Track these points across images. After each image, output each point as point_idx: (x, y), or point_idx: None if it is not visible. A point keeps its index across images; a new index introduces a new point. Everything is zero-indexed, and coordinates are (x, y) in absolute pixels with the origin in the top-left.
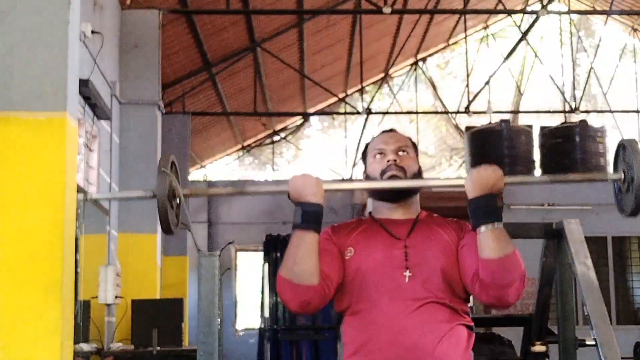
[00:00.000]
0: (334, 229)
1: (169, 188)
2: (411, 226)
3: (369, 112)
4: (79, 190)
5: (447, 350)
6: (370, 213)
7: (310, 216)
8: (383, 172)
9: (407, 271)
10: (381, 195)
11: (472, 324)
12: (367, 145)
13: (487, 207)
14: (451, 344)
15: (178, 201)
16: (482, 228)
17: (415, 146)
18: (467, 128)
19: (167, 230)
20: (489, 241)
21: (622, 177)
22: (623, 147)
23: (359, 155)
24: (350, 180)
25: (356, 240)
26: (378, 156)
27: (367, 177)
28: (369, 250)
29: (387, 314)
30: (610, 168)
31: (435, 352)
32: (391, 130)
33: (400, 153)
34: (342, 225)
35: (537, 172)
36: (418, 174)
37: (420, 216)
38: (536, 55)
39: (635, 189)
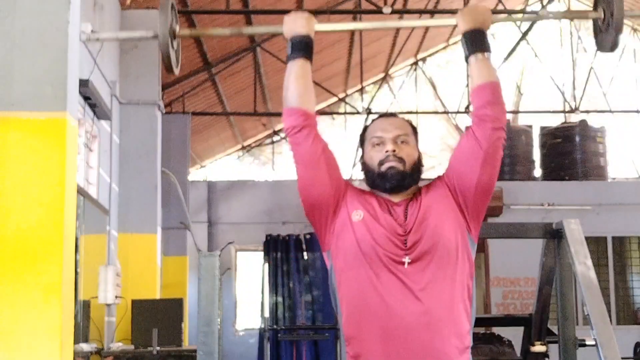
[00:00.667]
0: (348, 183)
1: (170, 28)
2: (406, 207)
3: (369, 112)
4: (79, 191)
5: (444, 339)
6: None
7: (299, 45)
8: (381, 163)
9: (407, 257)
10: (380, 186)
11: (473, 291)
12: (365, 129)
13: (479, 38)
14: (448, 333)
15: (177, 42)
16: (478, 55)
17: (415, 131)
18: (467, 128)
19: (168, 68)
20: (482, 67)
21: (602, 14)
22: None
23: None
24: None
25: (367, 208)
26: (376, 144)
27: (365, 166)
28: (375, 226)
29: (383, 298)
30: (610, 168)
31: (432, 342)
32: (391, 115)
33: (399, 142)
34: (356, 188)
35: (538, 172)
36: (418, 163)
37: (415, 195)
38: (536, 55)
39: (614, 23)
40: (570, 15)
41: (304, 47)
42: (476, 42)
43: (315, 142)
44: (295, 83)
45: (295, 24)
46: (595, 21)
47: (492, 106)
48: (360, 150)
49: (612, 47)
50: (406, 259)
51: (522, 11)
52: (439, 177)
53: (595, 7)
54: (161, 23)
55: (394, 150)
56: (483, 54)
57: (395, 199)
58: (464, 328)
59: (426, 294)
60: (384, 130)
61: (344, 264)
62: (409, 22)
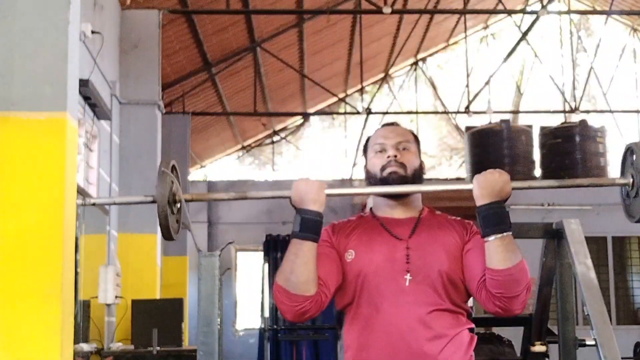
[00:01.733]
0: (334, 228)
1: (170, 193)
2: (413, 226)
3: (369, 112)
4: (79, 191)
5: (449, 358)
6: (371, 209)
7: (309, 225)
8: (383, 168)
9: (408, 274)
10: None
11: (473, 325)
12: (368, 139)
13: (497, 215)
14: (452, 351)
15: (179, 206)
16: (492, 237)
17: (417, 140)
18: (467, 128)
19: (167, 236)
20: (498, 251)
21: (631, 181)
22: (631, 151)
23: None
24: (352, 185)
25: (357, 242)
26: (378, 151)
27: (367, 173)
28: (370, 253)
29: (387, 320)
30: (610, 168)
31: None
32: (393, 124)
33: (401, 148)
34: (342, 224)
35: (537, 172)
36: (419, 170)
37: (423, 214)
38: (536, 55)
39: None
40: (600, 181)
41: (314, 227)
42: (496, 220)
43: (323, 304)
44: (304, 269)
45: (307, 196)
46: (622, 187)
47: (504, 300)
48: (363, 159)
49: None
50: (407, 278)
51: (522, 11)
52: (464, 222)
53: (623, 173)
54: (160, 187)
55: (396, 156)
56: (503, 233)
57: (399, 212)
58: (467, 345)
59: (430, 317)
60: (385, 137)
61: (346, 307)
62: (427, 187)
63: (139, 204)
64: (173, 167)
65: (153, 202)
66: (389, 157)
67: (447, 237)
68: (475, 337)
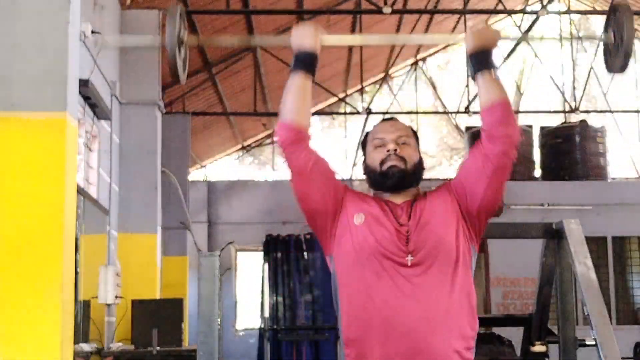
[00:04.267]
0: (348, 188)
1: (177, 37)
2: (409, 209)
3: (369, 112)
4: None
5: (444, 341)
6: (374, 194)
7: (300, 60)
8: (382, 162)
9: (409, 256)
10: (381, 185)
11: (474, 296)
12: (367, 134)
13: (485, 56)
14: (449, 335)
15: (184, 54)
16: (485, 73)
17: (416, 136)
18: (467, 128)
19: (175, 75)
20: (490, 85)
21: (612, 38)
22: (614, 9)
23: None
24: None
25: (368, 210)
26: (378, 146)
27: (367, 167)
28: (377, 228)
29: (385, 299)
30: (610, 168)
31: (432, 344)
32: (392, 119)
33: (400, 142)
34: (357, 192)
35: (537, 172)
36: (419, 164)
37: (418, 197)
38: (536, 55)
39: (624, 46)
40: (580, 36)
41: (307, 62)
42: (482, 60)
43: (307, 154)
44: (292, 98)
45: (302, 38)
46: (605, 44)
47: (503, 126)
48: (362, 154)
49: (622, 68)
50: (409, 259)
51: (522, 11)
52: (445, 184)
53: (605, 30)
54: (169, 31)
55: (395, 150)
56: (490, 71)
57: (397, 199)
58: (467, 332)
59: (426, 296)
60: (385, 132)
61: (345, 268)
62: (417, 36)
63: (147, 48)
64: (181, 14)
65: (161, 45)
66: (388, 150)
67: (440, 205)
68: (475, 306)
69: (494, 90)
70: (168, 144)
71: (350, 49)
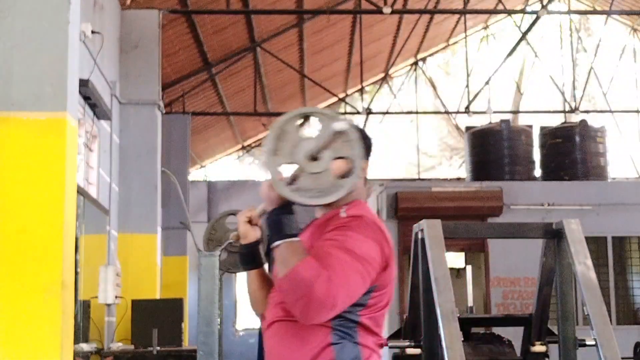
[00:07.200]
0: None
1: None
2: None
3: (369, 112)
4: (79, 191)
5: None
6: None
7: (243, 259)
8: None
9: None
10: None
11: (336, 335)
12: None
13: (275, 224)
14: None
15: None
16: (274, 246)
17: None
18: (467, 128)
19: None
20: (276, 261)
21: None
22: None
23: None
24: None
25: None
26: None
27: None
28: None
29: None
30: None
31: None
32: None
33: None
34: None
35: (537, 172)
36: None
37: (320, 219)
38: (536, 55)
39: None
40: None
41: (246, 260)
42: (274, 228)
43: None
44: (253, 294)
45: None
46: None
47: (288, 305)
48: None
49: None
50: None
51: (522, 11)
52: (331, 220)
53: None
54: None
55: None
56: (275, 243)
57: (318, 214)
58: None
59: (275, 325)
60: None
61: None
62: None
63: None
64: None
65: None
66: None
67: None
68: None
69: (278, 269)
70: (168, 144)
71: (350, 49)
